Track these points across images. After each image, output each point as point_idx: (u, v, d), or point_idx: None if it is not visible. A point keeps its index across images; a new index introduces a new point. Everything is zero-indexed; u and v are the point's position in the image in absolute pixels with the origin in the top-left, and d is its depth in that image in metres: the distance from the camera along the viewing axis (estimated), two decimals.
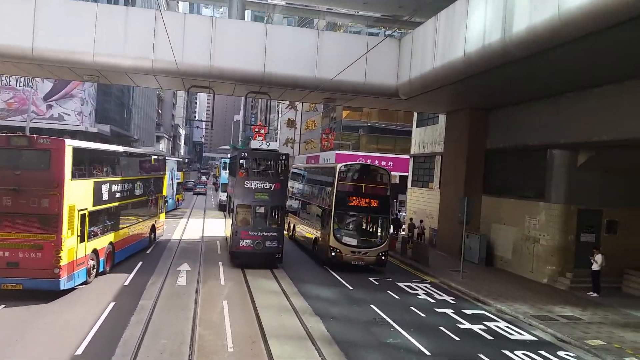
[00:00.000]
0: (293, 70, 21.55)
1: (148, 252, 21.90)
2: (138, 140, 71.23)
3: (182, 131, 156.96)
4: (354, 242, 20.02)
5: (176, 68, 19.97)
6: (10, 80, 45.12)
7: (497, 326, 13.92)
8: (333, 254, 19.78)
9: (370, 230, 20.89)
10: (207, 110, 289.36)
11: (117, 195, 17.90)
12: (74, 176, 14.12)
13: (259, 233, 19.08)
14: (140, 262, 19.48)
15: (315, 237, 22.33)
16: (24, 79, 44.24)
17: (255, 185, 19.34)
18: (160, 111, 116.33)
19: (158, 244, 23.80)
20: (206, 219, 36.29)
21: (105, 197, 16.73)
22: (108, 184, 16.97)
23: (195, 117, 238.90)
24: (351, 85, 22.19)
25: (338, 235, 19.93)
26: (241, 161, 19.90)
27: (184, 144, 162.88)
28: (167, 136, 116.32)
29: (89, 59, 19.83)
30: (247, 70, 21.13)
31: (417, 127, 33.58)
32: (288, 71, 21.51)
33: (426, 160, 31.82)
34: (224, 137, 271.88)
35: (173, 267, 18.94)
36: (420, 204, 31.73)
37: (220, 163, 45.67)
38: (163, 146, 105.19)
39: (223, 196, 39.04)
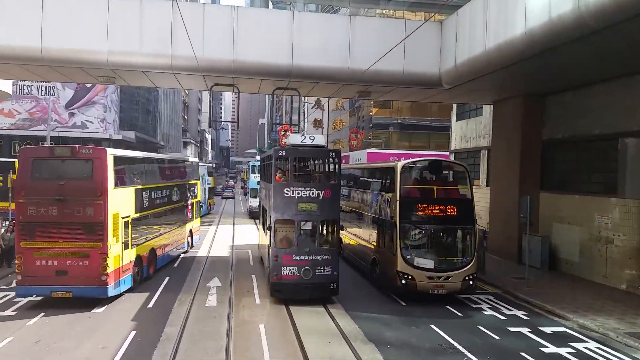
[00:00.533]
0: (324, 62, 19.50)
1: (175, 265, 20.19)
2: (164, 147, 70.41)
3: (208, 136, 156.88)
4: (430, 264, 14.94)
5: (196, 64, 18.16)
6: (32, 89, 44.40)
7: (587, 348, 11.59)
8: (403, 281, 14.77)
9: (451, 246, 15.81)
10: (232, 113, 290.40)
11: (157, 201, 18.22)
12: (116, 184, 14.37)
13: (307, 257, 14.52)
14: (167, 278, 17.76)
15: (374, 258, 17.47)
16: (45, 87, 43.47)
17: (298, 193, 14.58)
18: (186, 117, 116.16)
19: (185, 256, 22.09)
20: (236, 225, 34.56)
21: (146, 203, 17.04)
22: (148, 191, 17.28)
23: (222, 127, 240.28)
24: (388, 76, 20.03)
25: (408, 257, 14.94)
26: (277, 162, 15.48)
27: (211, 148, 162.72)
28: (193, 142, 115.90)
29: (103, 58, 18.17)
30: (273, 64, 19.18)
31: (457, 120, 31.13)
32: (318, 63, 19.47)
33: (469, 155, 29.36)
34: (249, 141, 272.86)
35: (202, 282, 17.14)
36: None
37: (249, 166, 43.33)
38: (190, 152, 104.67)
39: (253, 202, 37.27)
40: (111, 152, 14.31)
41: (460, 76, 19.08)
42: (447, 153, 46.57)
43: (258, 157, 40.39)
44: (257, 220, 25.38)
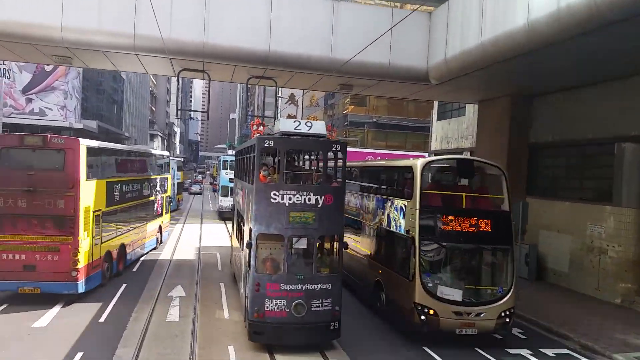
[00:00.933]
0: (304, 49, 17.91)
1: (134, 269, 18.28)
2: (129, 138, 67.48)
3: (177, 129, 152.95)
4: (458, 295, 11.43)
5: (162, 45, 16.30)
6: None
7: None
8: (423, 317, 11.27)
9: (484, 272, 12.26)
10: (202, 106, 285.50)
11: (128, 195, 17.62)
12: (88, 176, 13.85)
13: (300, 286, 10.66)
14: (124, 285, 15.86)
15: (378, 281, 13.77)
16: None
17: (290, 198, 10.72)
18: (153, 108, 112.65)
19: (146, 258, 20.16)
20: (204, 224, 32.59)
21: (117, 197, 16.45)
22: (119, 185, 16.69)
23: (191, 117, 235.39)
24: (373, 68, 18.58)
25: (429, 284, 11.47)
26: (262, 156, 11.96)
27: (179, 142, 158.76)
28: (161, 134, 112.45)
29: (57, 35, 16.12)
30: (248, 49, 17.47)
31: (437, 120, 29.98)
32: (298, 50, 17.86)
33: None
34: (220, 136, 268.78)
35: (164, 290, 15.32)
36: None
37: (220, 161, 40.17)
38: (157, 144, 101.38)
39: (224, 201, 34.73)
40: (84, 143, 13.84)
41: (450, 71, 17.76)
42: (426, 154, 45.70)
43: (230, 152, 37.81)
44: (230, 223, 23.39)
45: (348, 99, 46.43)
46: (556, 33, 12.71)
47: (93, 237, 14.13)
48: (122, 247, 17.07)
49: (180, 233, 27.79)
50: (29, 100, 42.39)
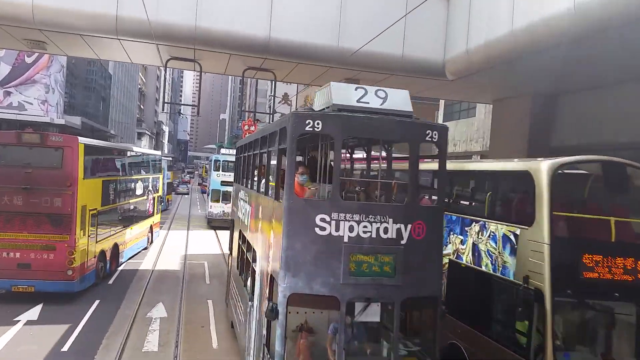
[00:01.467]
0: (308, 37, 15.89)
1: (111, 281, 16.14)
2: (115, 136, 65.07)
3: (165, 128, 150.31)
4: None
5: (148, 29, 14.20)
6: None
7: None
8: None
9: None
10: (192, 108, 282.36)
11: (122, 195, 17.58)
12: (85, 175, 13.77)
13: None
14: (97, 301, 13.74)
15: (455, 344, 8.97)
16: None
17: (352, 227, 5.80)
18: (142, 106, 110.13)
19: (126, 268, 18.03)
20: (192, 230, 30.40)
21: (112, 196, 16.39)
22: (114, 184, 16.64)
23: (180, 111, 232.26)
24: (384, 60, 16.64)
25: None
26: (299, 148, 7.03)
27: (168, 141, 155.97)
28: (149, 133, 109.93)
29: (27, 14, 13.94)
30: (246, 36, 15.42)
31: (444, 121, 28.10)
32: (301, 38, 15.84)
33: (458, 161, 26.41)
34: (209, 137, 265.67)
35: (142, 309, 13.24)
36: None
37: (211, 161, 34.18)
38: (145, 143, 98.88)
39: (215, 208, 31.07)
40: (82, 141, 13.81)
41: (471, 65, 15.84)
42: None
43: (224, 151, 34.24)
44: (222, 231, 21.40)
45: None
46: (611, 17, 10.86)
47: (89, 236, 13.96)
48: (115, 246, 16.94)
49: (165, 239, 25.57)
50: (8, 94, 39.91)
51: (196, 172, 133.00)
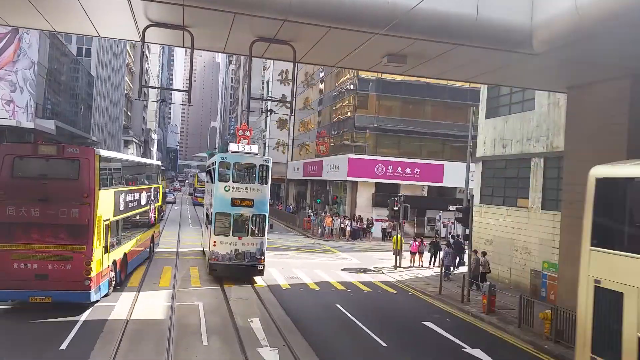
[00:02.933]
0: None
1: (64, 346, 11.01)
2: (98, 143, 59.72)
3: (154, 136, 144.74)
4: None
5: None
6: None
7: None
8: None
9: None
10: (182, 115, 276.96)
11: (130, 205, 17.59)
12: (101, 186, 13.72)
13: None
14: None
15: None
16: None
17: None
18: (129, 113, 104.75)
19: (93, 316, 12.96)
20: (182, 256, 25.26)
21: (122, 207, 16.35)
22: (124, 194, 16.70)
23: (169, 122, 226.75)
24: (451, 23, 11.90)
25: None
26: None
27: (157, 149, 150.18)
28: (137, 140, 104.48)
29: None
30: None
31: (487, 117, 23.34)
32: None
33: (509, 165, 21.62)
34: (199, 145, 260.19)
35: None
36: (499, 230, 21.47)
37: (214, 166, 19.69)
38: (132, 151, 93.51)
39: (222, 247, 18.04)
40: (98, 153, 13.90)
41: (578, 26, 11.09)
42: (442, 162, 39.23)
43: (234, 147, 19.48)
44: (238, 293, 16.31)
45: (356, 98, 39.65)
46: None
47: (103, 247, 13.95)
48: (125, 256, 16.87)
49: (148, 268, 20.41)
50: None
51: (187, 181, 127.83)
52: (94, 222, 13.22)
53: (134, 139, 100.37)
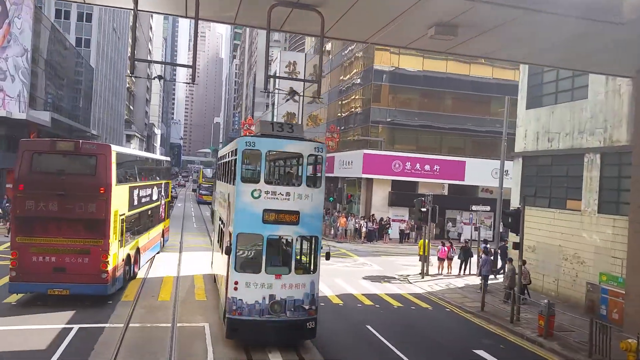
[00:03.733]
0: None
1: None
2: (98, 137, 57.47)
3: (157, 131, 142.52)
4: None
5: None
6: None
7: None
8: None
9: None
10: (185, 111, 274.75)
11: (143, 200, 17.73)
12: (117, 181, 13.98)
13: None
14: None
15: None
16: None
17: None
18: (131, 107, 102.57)
19: (78, 341, 10.56)
20: (188, 263, 22.75)
21: (136, 202, 16.53)
22: (137, 189, 16.83)
23: (172, 117, 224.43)
24: None
25: None
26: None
27: (160, 145, 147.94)
28: (139, 135, 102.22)
29: None
30: None
31: (528, 108, 20.75)
32: None
33: (558, 162, 19.04)
34: (203, 141, 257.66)
35: None
36: (544, 236, 18.93)
37: (236, 154, 11.61)
38: (135, 146, 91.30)
39: (248, 295, 10.86)
40: (114, 149, 14.13)
41: None
42: (463, 159, 36.66)
43: (265, 129, 13.08)
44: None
45: (371, 89, 37.08)
46: None
47: (118, 241, 14.16)
48: (137, 250, 17.03)
49: (141, 286, 17.85)
50: None
51: (190, 177, 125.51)
52: (111, 217, 13.48)
53: (136, 134, 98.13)
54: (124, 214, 14.72)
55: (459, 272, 22.67)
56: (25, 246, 12.99)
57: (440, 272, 22.60)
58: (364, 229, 32.53)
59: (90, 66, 57.38)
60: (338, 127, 46.49)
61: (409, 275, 21.64)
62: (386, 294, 17.85)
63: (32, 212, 13.09)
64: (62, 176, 13.30)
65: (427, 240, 21.93)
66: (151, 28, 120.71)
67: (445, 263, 22.78)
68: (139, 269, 17.50)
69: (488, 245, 20.55)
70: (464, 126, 37.11)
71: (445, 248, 22.80)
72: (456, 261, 22.97)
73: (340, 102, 46.86)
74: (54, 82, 44.06)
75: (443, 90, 36.88)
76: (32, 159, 13.35)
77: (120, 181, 14.48)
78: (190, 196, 69.59)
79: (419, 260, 22.36)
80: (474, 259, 22.69)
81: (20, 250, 12.97)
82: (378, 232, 33.23)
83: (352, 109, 42.22)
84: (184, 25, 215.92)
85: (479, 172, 35.29)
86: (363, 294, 17.37)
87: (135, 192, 16.54)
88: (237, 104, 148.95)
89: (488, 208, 31.54)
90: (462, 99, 37.21)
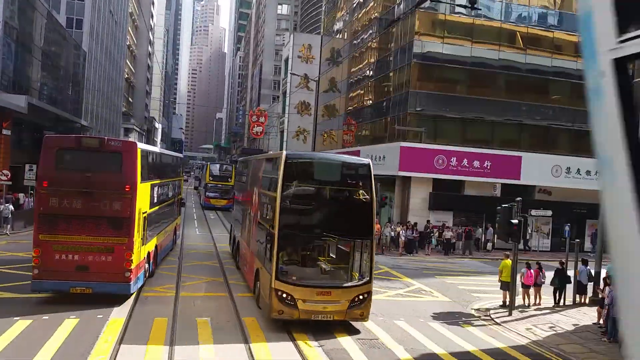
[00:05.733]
0: None
1: None
2: (90, 129, 51.67)
3: (158, 125, 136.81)
4: None
5: None
6: None
7: None
8: None
9: None
10: (187, 102, 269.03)
11: (161, 197, 17.78)
12: (141, 179, 13.98)
13: None
14: None
15: None
16: None
17: None
18: (130, 99, 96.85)
19: None
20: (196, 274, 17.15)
21: (155, 199, 16.55)
22: (157, 187, 16.89)
23: (175, 112, 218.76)
24: None
25: None
26: None
27: (161, 140, 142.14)
28: (138, 129, 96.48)
29: None
30: None
31: None
32: None
33: None
34: (205, 136, 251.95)
35: None
36: None
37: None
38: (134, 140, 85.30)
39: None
40: (140, 146, 14.18)
41: None
42: (519, 154, 30.92)
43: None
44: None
45: (413, 69, 31.09)
46: None
47: (141, 239, 14.07)
48: (156, 247, 16.82)
49: (125, 329, 12.30)
50: None
51: (192, 173, 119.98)
52: (136, 215, 13.27)
53: (135, 127, 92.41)
54: (145, 212, 14.65)
55: (555, 302, 16.93)
56: (48, 244, 12.80)
57: (526, 303, 16.87)
58: (402, 238, 26.76)
59: (82, 49, 51.59)
60: (355, 120, 40.82)
61: (489, 310, 15.90)
62: (480, 349, 12.05)
63: (55, 209, 12.92)
64: (87, 173, 13.14)
65: (509, 261, 16.23)
66: (152, 16, 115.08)
67: (532, 290, 17.03)
68: (157, 267, 17.17)
69: (606, 271, 14.77)
70: (518, 115, 31.27)
71: (532, 272, 16.97)
72: (546, 287, 17.24)
73: (365, 88, 41.05)
74: (32, 60, 38.35)
75: (496, 72, 31.03)
76: (56, 155, 13.28)
77: (143, 179, 14.27)
78: (192, 193, 63.66)
79: (501, 289, 16.62)
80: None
81: (43, 247, 12.78)
82: (419, 242, 27.48)
83: (383, 95, 36.34)
84: (187, 16, 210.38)
85: (537, 169, 29.56)
86: (450, 354, 11.58)
87: (156, 189, 16.57)
88: (241, 97, 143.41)
89: (550, 213, 26.10)
90: (519, 82, 31.32)
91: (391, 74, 34.44)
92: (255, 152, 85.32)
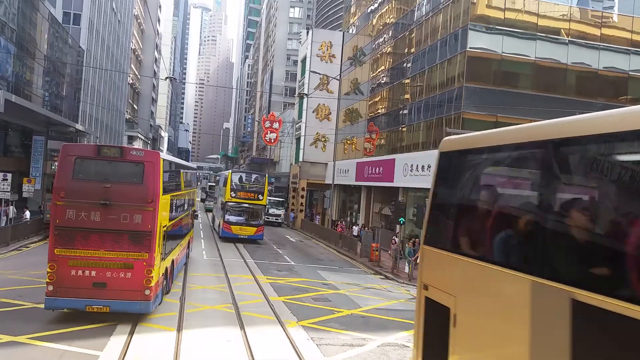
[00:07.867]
0: None
1: None
2: (87, 134, 46.99)
3: (164, 134, 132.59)
4: None
5: None
6: None
7: None
8: None
9: None
10: (194, 114, 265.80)
11: (179, 210, 17.34)
12: (163, 191, 13.77)
13: None
14: None
15: None
16: None
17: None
18: (135, 106, 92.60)
19: None
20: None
21: (173, 212, 15.94)
22: (176, 199, 16.43)
23: (182, 120, 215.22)
24: None
25: None
26: None
27: (167, 149, 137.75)
28: (143, 137, 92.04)
29: None
30: None
31: None
32: None
33: None
34: (212, 146, 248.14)
35: None
36: None
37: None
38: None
39: None
40: (162, 157, 13.69)
41: None
42: None
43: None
44: None
45: (464, 63, 25.96)
46: None
47: (161, 254, 13.37)
48: (172, 263, 16.10)
49: None
50: None
51: (199, 184, 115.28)
52: (157, 229, 12.48)
53: (140, 135, 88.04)
54: (165, 226, 13.71)
55: None
56: (63, 259, 11.90)
57: None
58: None
59: (79, 46, 47.07)
60: (382, 125, 35.82)
61: None
62: None
63: (72, 222, 12.00)
64: (106, 184, 12.27)
65: None
66: (159, 21, 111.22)
67: None
68: (172, 283, 16.23)
69: None
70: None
71: None
72: None
73: (395, 88, 36.05)
74: (23, 57, 33.73)
75: (566, 66, 25.92)
76: (74, 164, 12.44)
77: (165, 191, 13.49)
78: (199, 207, 58.19)
79: None
80: None
81: (58, 263, 11.87)
82: None
83: (424, 94, 31.27)
84: (195, 24, 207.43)
85: None
86: None
87: (174, 202, 15.82)
88: (249, 105, 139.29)
89: None
90: (591, 78, 26.21)
91: (433, 70, 29.37)
92: (265, 162, 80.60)
